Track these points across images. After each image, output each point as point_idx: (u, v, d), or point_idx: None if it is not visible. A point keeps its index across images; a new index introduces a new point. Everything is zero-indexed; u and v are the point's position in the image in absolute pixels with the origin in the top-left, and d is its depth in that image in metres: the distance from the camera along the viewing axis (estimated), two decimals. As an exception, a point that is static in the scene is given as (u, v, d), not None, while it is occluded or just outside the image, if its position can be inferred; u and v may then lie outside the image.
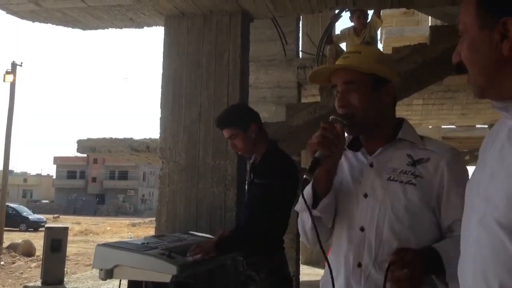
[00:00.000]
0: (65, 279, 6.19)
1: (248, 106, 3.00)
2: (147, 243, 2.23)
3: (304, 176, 1.43)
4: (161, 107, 4.08)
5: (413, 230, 1.41)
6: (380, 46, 13.93)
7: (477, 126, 13.01)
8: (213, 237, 2.73)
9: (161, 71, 4.11)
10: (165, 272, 1.94)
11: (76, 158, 62.96)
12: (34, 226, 27.31)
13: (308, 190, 1.49)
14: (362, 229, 1.45)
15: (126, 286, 2.56)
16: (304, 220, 1.55)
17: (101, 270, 1.99)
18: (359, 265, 1.43)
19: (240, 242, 2.49)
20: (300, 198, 1.49)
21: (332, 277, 1.40)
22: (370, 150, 1.54)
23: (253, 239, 2.47)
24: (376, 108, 1.51)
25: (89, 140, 7.14)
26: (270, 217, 2.45)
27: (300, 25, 7.26)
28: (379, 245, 1.42)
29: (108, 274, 1.98)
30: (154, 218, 4.02)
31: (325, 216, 1.50)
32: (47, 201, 59.46)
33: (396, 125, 1.56)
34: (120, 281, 2.16)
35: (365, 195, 1.47)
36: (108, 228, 28.24)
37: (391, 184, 1.45)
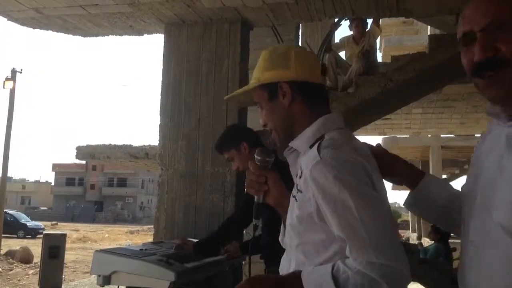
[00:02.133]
0: (62, 286, 6.15)
1: (237, 126, 3.12)
2: (145, 249, 2.23)
3: (253, 222, 1.46)
4: (160, 114, 4.09)
5: (299, 249, 1.30)
6: (379, 55, 14.00)
7: (475, 135, 13.02)
8: None
9: (160, 78, 4.12)
10: (163, 278, 1.93)
11: (74, 165, 62.89)
12: (32, 233, 27.21)
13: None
14: None
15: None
16: None
17: (99, 276, 1.98)
18: None
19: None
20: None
21: None
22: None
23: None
24: (283, 116, 1.39)
25: (88, 146, 7.14)
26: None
27: (300, 33, 7.28)
28: (288, 264, 1.37)
29: (105, 280, 1.97)
30: (153, 226, 4.02)
31: None
32: (45, 208, 59.27)
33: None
34: (118, 287, 2.15)
35: None
36: (106, 235, 28.14)
37: (291, 200, 1.34)
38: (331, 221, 1.19)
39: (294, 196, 1.30)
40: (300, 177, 1.28)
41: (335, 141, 1.27)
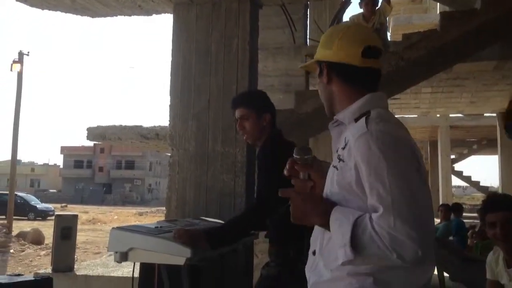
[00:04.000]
0: (75, 267, 6.24)
1: (267, 95, 2.98)
2: (161, 227, 2.25)
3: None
4: (170, 95, 4.09)
5: None
6: (388, 33, 13.83)
7: (485, 114, 12.93)
8: (223, 222, 2.75)
9: (169, 59, 4.11)
10: (179, 255, 1.96)
11: (82, 148, 63.31)
12: (42, 215, 27.55)
13: None
14: None
15: (139, 271, 2.59)
16: None
17: (116, 253, 2.01)
18: (314, 253, 1.42)
19: (236, 234, 2.45)
20: None
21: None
22: None
23: (254, 222, 2.46)
24: (323, 92, 1.53)
25: (99, 127, 7.16)
26: (268, 189, 2.43)
27: (308, 12, 7.21)
28: (322, 233, 1.39)
29: (123, 257, 2.00)
30: (161, 208, 4.05)
31: None
32: (54, 190, 59.87)
33: None
34: (134, 264, 2.18)
35: None
36: (116, 217, 28.44)
37: (331, 170, 1.41)
38: (366, 189, 1.25)
39: (334, 166, 1.36)
40: (344, 148, 1.34)
41: (382, 116, 1.33)
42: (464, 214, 8.17)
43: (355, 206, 1.28)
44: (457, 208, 7.56)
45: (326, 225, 1.30)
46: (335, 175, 1.34)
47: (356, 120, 1.35)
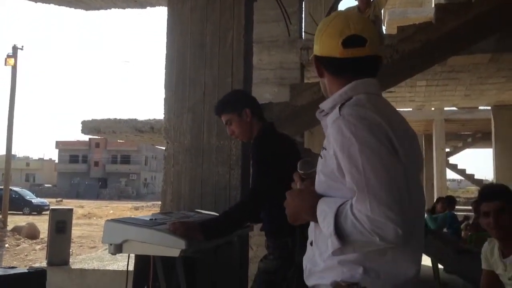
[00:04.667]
0: (70, 260, 6.23)
1: (243, 91, 3.04)
2: (155, 219, 2.25)
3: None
4: (165, 88, 4.07)
5: None
6: (383, 27, 13.83)
7: (480, 107, 12.97)
8: (218, 214, 2.75)
9: (164, 52, 4.09)
10: (174, 246, 1.96)
11: (78, 142, 63.13)
12: (38, 209, 27.51)
13: None
14: None
15: (133, 263, 2.59)
16: None
17: (110, 245, 2.01)
18: (311, 243, 1.44)
19: (230, 226, 2.46)
20: None
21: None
22: None
23: (246, 215, 2.47)
24: (321, 84, 1.56)
25: (93, 121, 7.14)
26: (262, 184, 2.46)
27: (303, 5, 7.20)
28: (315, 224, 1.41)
29: (117, 249, 2.00)
30: (157, 202, 4.05)
31: None
32: (49, 185, 59.74)
33: None
34: (129, 256, 2.18)
35: None
36: (111, 211, 28.42)
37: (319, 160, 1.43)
38: (345, 174, 1.26)
39: (321, 156, 1.38)
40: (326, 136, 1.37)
41: (358, 101, 1.34)
42: (459, 207, 8.24)
43: (340, 193, 1.29)
44: (450, 201, 7.62)
45: (315, 219, 1.32)
46: (320, 164, 1.37)
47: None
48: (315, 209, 1.31)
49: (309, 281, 1.41)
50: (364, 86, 1.42)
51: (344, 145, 1.25)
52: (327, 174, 1.33)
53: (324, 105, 1.45)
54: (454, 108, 13.68)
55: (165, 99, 4.04)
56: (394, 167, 1.23)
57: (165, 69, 4.07)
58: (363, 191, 1.20)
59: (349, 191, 1.26)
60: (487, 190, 2.63)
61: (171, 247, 1.96)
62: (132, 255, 2.42)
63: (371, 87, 1.43)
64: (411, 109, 13.19)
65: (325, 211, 1.28)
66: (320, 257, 1.35)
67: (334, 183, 1.31)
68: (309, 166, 1.46)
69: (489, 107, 11.63)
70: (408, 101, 10.76)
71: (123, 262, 5.19)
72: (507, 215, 2.46)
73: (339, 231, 1.22)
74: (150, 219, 2.22)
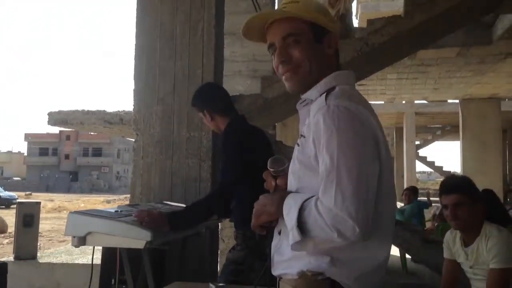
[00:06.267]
0: (38, 254, 6.11)
1: (204, 89, 3.04)
2: (121, 211, 2.22)
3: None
4: (134, 79, 4.00)
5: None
6: (355, 21, 13.94)
7: (448, 101, 13.24)
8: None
9: (133, 42, 4.02)
10: (139, 238, 1.94)
11: (48, 135, 61.88)
12: (6, 203, 26.95)
13: None
14: None
15: (100, 255, 2.56)
16: None
17: (74, 237, 1.97)
18: (279, 232, 1.42)
19: (198, 217, 2.47)
20: None
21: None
22: None
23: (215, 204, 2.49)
24: (320, 62, 1.40)
25: (60, 112, 6.97)
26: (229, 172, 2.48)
27: (275, -4, 7.18)
28: None
29: (80, 241, 1.96)
30: (130, 195, 4.00)
31: None
32: (18, 178, 58.45)
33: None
34: (94, 248, 2.14)
35: None
36: (82, 205, 27.99)
37: (295, 148, 1.39)
38: (319, 163, 1.25)
39: (297, 143, 1.36)
40: (306, 125, 1.34)
41: (344, 92, 1.32)
42: (423, 198, 8.47)
43: (313, 183, 1.27)
44: (414, 191, 7.83)
45: (281, 213, 1.31)
46: (296, 151, 1.35)
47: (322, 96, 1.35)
48: (283, 202, 1.30)
49: (275, 271, 1.40)
50: (347, 77, 1.42)
51: (324, 135, 1.23)
52: (303, 161, 1.31)
53: (309, 95, 1.40)
54: (425, 102, 13.93)
55: (135, 90, 3.97)
56: (369, 166, 1.23)
57: (135, 59, 4.00)
58: (332, 183, 1.19)
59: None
60: (446, 183, 2.69)
61: (137, 238, 1.93)
62: (99, 248, 2.39)
63: (351, 79, 1.43)
64: (382, 102, 13.37)
65: (290, 205, 1.27)
66: (288, 247, 1.33)
67: (309, 171, 1.30)
68: (279, 164, 1.42)
69: (457, 101, 11.87)
70: (380, 94, 10.90)
71: (93, 256, 5.12)
72: (465, 208, 2.52)
73: (301, 225, 1.21)
74: (115, 211, 2.19)
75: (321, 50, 1.41)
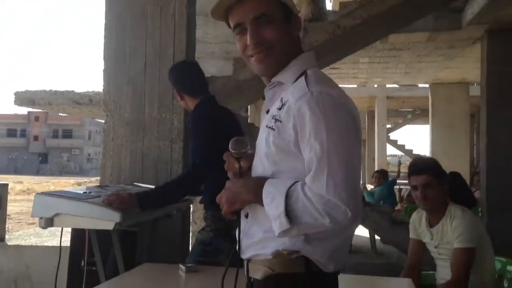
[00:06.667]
0: (6, 237, 6.02)
1: (173, 69, 3.01)
2: (89, 192, 2.20)
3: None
4: (104, 59, 3.93)
5: (275, 177, 1.32)
6: (329, 4, 13.94)
7: (419, 85, 13.45)
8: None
9: (102, 20, 3.94)
10: (108, 219, 1.92)
11: (16, 116, 60.38)
12: (-28, 185, 26.24)
13: None
14: None
15: (70, 237, 2.54)
16: None
17: (41, 218, 1.95)
18: (246, 216, 1.41)
19: (168, 197, 2.47)
20: None
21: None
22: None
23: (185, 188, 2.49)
24: (290, 43, 1.39)
25: (27, 92, 6.78)
26: (199, 153, 2.48)
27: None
28: None
29: (48, 223, 1.94)
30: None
31: None
32: (-15, 160, 56.98)
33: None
34: (62, 230, 2.12)
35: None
36: (52, 187, 27.51)
37: (264, 131, 1.36)
38: (304, 150, 1.24)
39: (269, 127, 1.33)
40: (280, 108, 1.32)
41: (320, 77, 1.32)
42: (399, 181, 8.64)
43: (291, 167, 1.28)
44: (383, 174, 7.99)
45: (259, 201, 1.29)
46: (271, 135, 1.31)
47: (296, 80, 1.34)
48: (260, 189, 1.28)
49: (244, 254, 1.39)
50: (313, 60, 1.41)
51: (311, 122, 1.22)
52: (280, 146, 1.29)
53: (282, 79, 1.38)
54: (396, 86, 14.11)
55: (104, 70, 3.91)
56: (356, 150, 1.25)
57: (104, 39, 3.92)
58: (323, 170, 1.19)
59: (301, 166, 1.26)
60: (415, 165, 2.75)
61: (105, 220, 1.92)
62: (68, 230, 2.37)
63: (315, 61, 1.42)
64: (355, 85, 13.49)
65: (272, 192, 1.25)
66: (260, 229, 1.33)
67: (287, 156, 1.29)
68: (242, 145, 1.38)
69: (427, 85, 12.07)
70: (352, 78, 10.98)
71: (63, 238, 5.07)
72: (433, 188, 2.59)
73: (289, 212, 1.21)
74: (83, 192, 2.16)
75: (290, 31, 1.39)
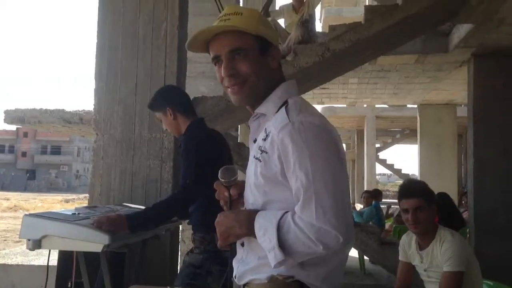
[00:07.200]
0: (-8, 256, 5.93)
1: (168, 89, 3.05)
2: (78, 213, 2.19)
3: None
4: (95, 78, 3.95)
5: (267, 207, 1.35)
6: (319, 25, 14.15)
7: (407, 105, 13.60)
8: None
9: (94, 40, 3.97)
10: (97, 242, 1.92)
11: (4, 131, 59.86)
12: (-42, 202, 25.87)
13: None
14: None
15: (57, 258, 2.52)
16: None
17: (29, 240, 1.94)
18: (242, 244, 1.42)
19: (157, 219, 2.46)
20: None
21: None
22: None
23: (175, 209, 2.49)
24: (266, 75, 1.41)
25: (17, 110, 6.76)
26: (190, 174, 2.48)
27: (240, 0, 7.21)
28: None
29: (36, 245, 1.93)
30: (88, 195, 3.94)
31: None
32: (-28, 176, 56.22)
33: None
34: (50, 251, 2.11)
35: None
36: (40, 204, 27.20)
37: (252, 162, 1.39)
38: (291, 180, 1.27)
39: (256, 158, 1.35)
40: (265, 139, 1.34)
41: (301, 106, 1.35)
42: (388, 200, 8.66)
43: (281, 197, 1.31)
44: (372, 195, 8.02)
45: (253, 234, 1.30)
46: (258, 167, 1.34)
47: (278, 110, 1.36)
48: (252, 222, 1.30)
49: (241, 281, 1.41)
50: (293, 87, 1.44)
51: (294, 152, 1.24)
52: (267, 176, 1.32)
53: (263, 110, 1.41)
54: (385, 106, 14.25)
55: (96, 90, 3.92)
56: (341, 176, 1.27)
57: (96, 58, 3.95)
58: (311, 199, 1.22)
59: (289, 196, 1.28)
60: (406, 188, 2.77)
61: (94, 242, 1.91)
62: (56, 250, 2.35)
63: (296, 89, 1.45)
64: (345, 105, 13.61)
65: (264, 225, 1.27)
66: (255, 256, 1.35)
67: (276, 186, 1.31)
68: (231, 174, 1.40)
69: (416, 105, 12.21)
70: (341, 98, 11.08)
71: (50, 257, 5.01)
72: (424, 212, 2.61)
73: (282, 244, 1.23)
74: (72, 214, 2.16)
75: (266, 63, 1.42)
